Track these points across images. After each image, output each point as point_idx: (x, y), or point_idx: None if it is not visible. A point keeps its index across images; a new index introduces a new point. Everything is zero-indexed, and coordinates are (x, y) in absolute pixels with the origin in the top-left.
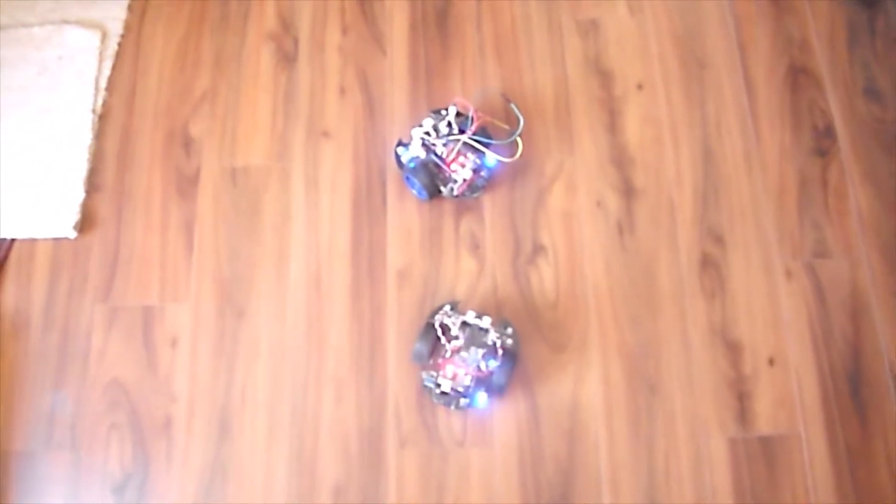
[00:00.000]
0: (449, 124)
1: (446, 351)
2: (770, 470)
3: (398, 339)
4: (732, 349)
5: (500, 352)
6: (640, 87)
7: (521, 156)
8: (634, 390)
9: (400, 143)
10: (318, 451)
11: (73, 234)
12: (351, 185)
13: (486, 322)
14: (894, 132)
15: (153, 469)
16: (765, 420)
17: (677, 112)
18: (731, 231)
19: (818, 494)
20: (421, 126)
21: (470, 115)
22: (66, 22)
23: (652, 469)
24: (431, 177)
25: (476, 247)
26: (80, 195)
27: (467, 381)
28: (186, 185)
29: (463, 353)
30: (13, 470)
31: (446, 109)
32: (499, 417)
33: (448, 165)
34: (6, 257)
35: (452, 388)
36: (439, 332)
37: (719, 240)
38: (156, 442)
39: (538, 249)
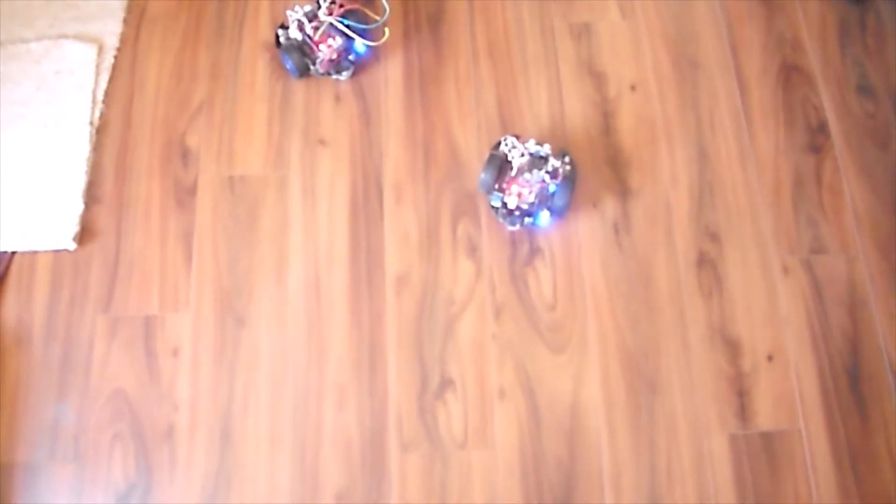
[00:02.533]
0: (322, 9)
1: (513, 171)
2: (771, 466)
3: (398, 343)
4: (731, 346)
5: (561, 175)
6: (633, 88)
7: (385, 41)
8: (634, 390)
9: (282, 26)
10: (321, 457)
11: (72, 246)
12: (348, 191)
13: (546, 149)
14: (887, 127)
15: (156, 478)
16: (765, 416)
17: (671, 112)
18: (727, 229)
19: (820, 489)
20: (297, 10)
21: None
22: (63, 37)
23: (653, 467)
24: (302, 56)
25: (473, 250)
26: (80, 207)
27: (532, 198)
28: (184, 195)
29: (526, 175)
30: (17, 481)
31: None
32: (499, 418)
33: (317, 46)
34: (7, 270)
35: (518, 206)
36: (507, 152)
37: (716, 238)
38: (159, 451)
39: (536, 251)
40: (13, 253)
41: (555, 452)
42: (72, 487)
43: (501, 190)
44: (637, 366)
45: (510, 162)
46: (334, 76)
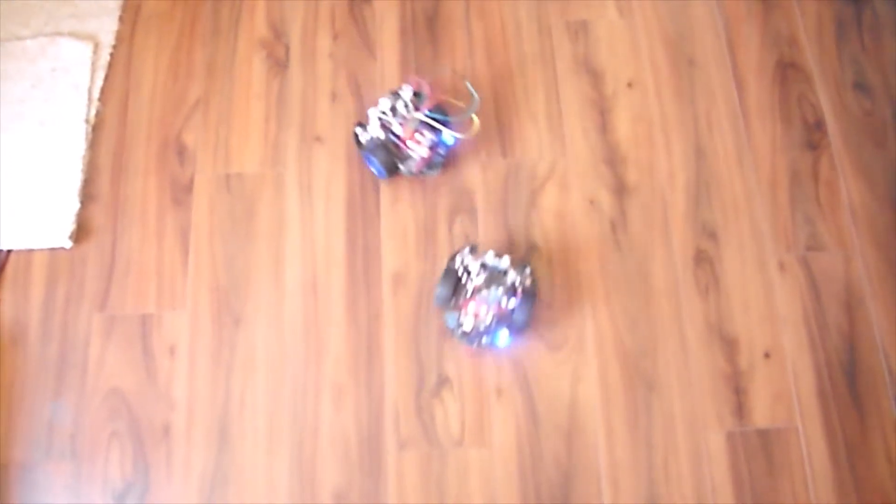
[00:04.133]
0: (406, 104)
1: (467, 291)
2: (769, 463)
3: (395, 341)
4: (728, 344)
5: (520, 290)
6: (630, 86)
7: (477, 133)
8: (632, 387)
9: (359, 125)
10: (318, 456)
11: (68, 244)
12: (345, 189)
13: (505, 262)
14: (884, 125)
15: (154, 477)
16: (762, 414)
17: (668, 110)
18: (724, 226)
19: (817, 486)
20: (377, 106)
21: (424, 93)
22: (59, 34)
23: (651, 465)
24: (389, 155)
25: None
26: (76, 205)
27: (489, 319)
28: (181, 193)
29: (484, 292)
30: (14, 480)
31: (402, 89)
32: (497, 417)
33: (405, 143)
34: (3, 268)
35: (475, 327)
36: (460, 273)
37: (713, 235)
38: (156, 449)
39: (532, 249)
40: (9, 251)
41: (552, 450)
42: (68, 486)
43: (458, 307)
44: (634, 363)
45: (468, 275)
46: (427, 173)
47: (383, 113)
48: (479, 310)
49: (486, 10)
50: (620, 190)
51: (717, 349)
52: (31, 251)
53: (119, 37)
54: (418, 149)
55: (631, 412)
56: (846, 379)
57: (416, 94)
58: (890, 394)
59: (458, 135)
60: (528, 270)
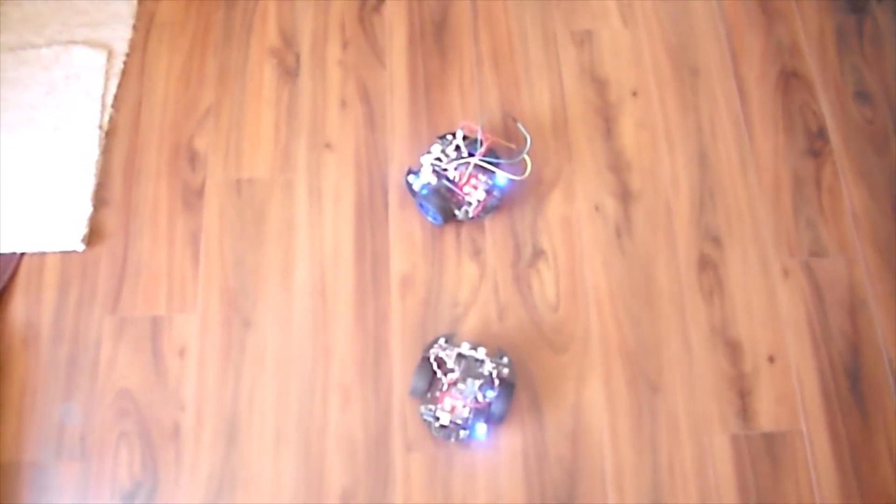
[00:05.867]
0: (457, 148)
1: (443, 384)
2: (773, 466)
3: (402, 345)
4: (732, 348)
5: (497, 382)
6: (634, 94)
7: (530, 173)
8: (636, 390)
9: (410, 172)
10: (325, 457)
11: (81, 248)
12: (353, 194)
13: (481, 353)
14: (885, 133)
15: (162, 477)
16: (766, 417)
17: (672, 117)
18: (727, 232)
19: (822, 489)
20: (430, 153)
21: (478, 137)
22: (72, 42)
23: (656, 467)
24: (445, 201)
25: (477, 252)
26: (88, 209)
27: (465, 412)
28: (192, 197)
29: (460, 386)
30: (24, 480)
31: (453, 134)
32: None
33: (461, 189)
34: (15, 271)
35: (451, 421)
36: (435, 367)
37: (716, 241)
38: (165, 450)
39: (538, 254)
40: (22, 254)
41: (557, 452)
42: (78, 486)
43: (434, 401)
44: (639, 367)
45: (444, 367)
46: (483, 217)
47: (437, 159)
48: (455, 404)
49: (492, 19)
50: (625, 196)
51: (721, 353)
52: (43, 254)
53: (132, 45)
54: (475, 193)
55: (635, 414)
56: (850, 382)
57: (466, 138)
58: (894, 396)
59: (513, 177)
60: (505, 360)
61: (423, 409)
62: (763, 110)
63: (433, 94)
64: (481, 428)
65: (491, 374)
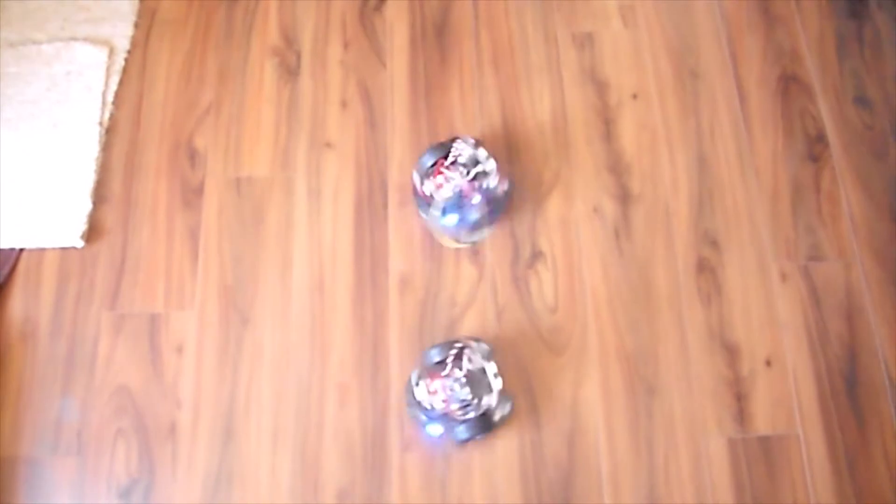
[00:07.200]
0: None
1: (447, 370)
2: (769, 469)
3: (400, 343)
4: (729, 351)
5: (482, 416)
6: (634, 96)
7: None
8: (633, 392)
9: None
10: (322, 455)
11: (80, 244)
12: (353, 193)
13: (497, 384)
14: (884, 138)
15: (159, 474)
16: (763, 420)
17: (672, 120)
18: (726, 235)
19: (818, 493)
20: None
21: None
22: (74, 39)
23: (652, 469)
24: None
25: (476, 253)
26: (88, 206)
27: (438, 406)
28: (191, 195)
29: (455, 385)
30: (21, 475)
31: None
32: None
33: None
34: (15, 267)
35: (422, 401)
36: (453, 355)
37: (715, 244)
38: (161, 447)
39: (537, 255)
40: (21, 250)
41: (554, 452)
42: (74, 482)
43: (430, 374)
44: (636, 368)
45: (458, 361)
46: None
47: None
48: (439, 392)
49: (493, 21)
50: (624, 198)
51: (719, 356)
52: (42, 250)
53: (133, 42)
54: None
55: (632, 416)
56: (846, 386)
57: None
58: (890, 401)
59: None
60: (507, 406)
61: (414, 375)
62: (763, 114)
63: (433, 95)
64: (436, 429)
65: (487, 407)
